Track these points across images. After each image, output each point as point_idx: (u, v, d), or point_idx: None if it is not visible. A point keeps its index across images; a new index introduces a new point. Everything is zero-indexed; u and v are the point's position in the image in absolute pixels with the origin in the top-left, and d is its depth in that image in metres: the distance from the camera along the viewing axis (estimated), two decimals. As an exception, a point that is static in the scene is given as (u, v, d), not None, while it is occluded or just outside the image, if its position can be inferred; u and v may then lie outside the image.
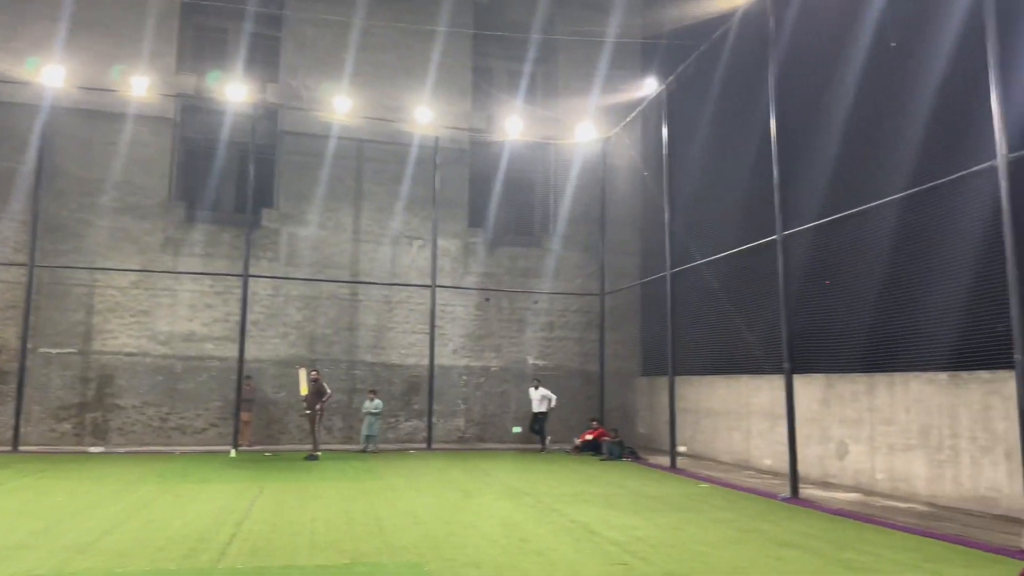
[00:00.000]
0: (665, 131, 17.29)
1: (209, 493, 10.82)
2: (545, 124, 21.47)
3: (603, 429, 18.86)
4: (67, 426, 17.52)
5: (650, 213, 20.69)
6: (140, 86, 17.81)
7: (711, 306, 17.21)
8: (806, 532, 8.66)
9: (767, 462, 15.10)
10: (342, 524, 8.64)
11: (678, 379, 17.46)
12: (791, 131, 13.15)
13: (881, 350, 12.07)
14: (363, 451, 17.72)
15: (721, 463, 16.57)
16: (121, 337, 18.02)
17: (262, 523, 8.58)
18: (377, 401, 18.03)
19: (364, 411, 18.05)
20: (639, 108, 19.27)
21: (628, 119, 20.06)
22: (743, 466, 15.87)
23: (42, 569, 6.32)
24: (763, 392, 15.44)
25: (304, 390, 16.19)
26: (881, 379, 12.11)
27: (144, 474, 12.82)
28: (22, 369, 16.83)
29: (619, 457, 17.22)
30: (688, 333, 17.93)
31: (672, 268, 16.78)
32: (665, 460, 16.37)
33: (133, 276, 18.25)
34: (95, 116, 18.55)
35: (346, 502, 10.25)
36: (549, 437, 19.25)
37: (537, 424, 19.08)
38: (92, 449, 16.99)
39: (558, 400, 19.67)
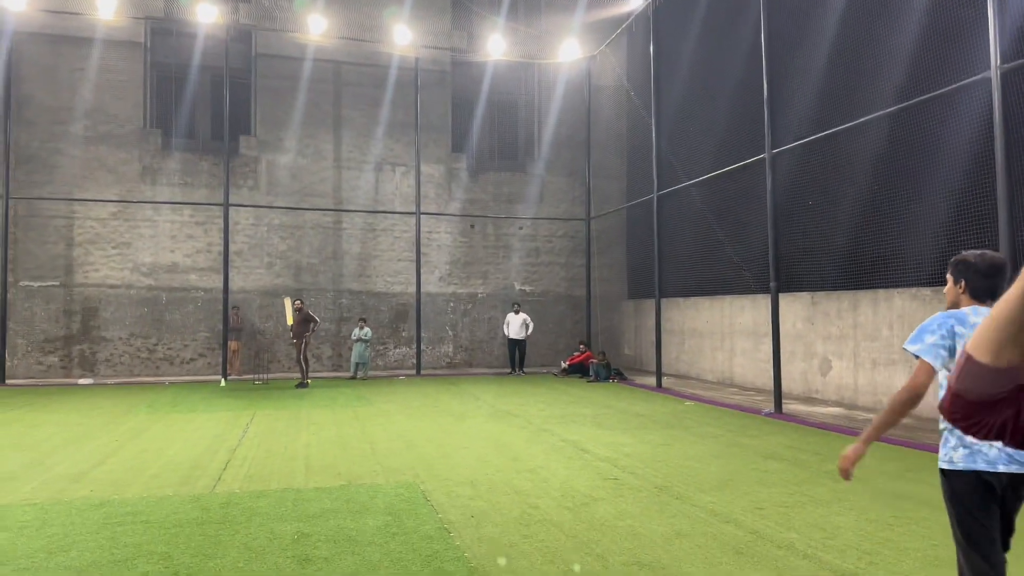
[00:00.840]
0: (652, 48, 16.87)
1: (201, 422, 10.88)
2: (528, 43, 20.91)
3: (590, 352, 19.05)
4: (54, 359, 17.47)
5: (636, 134, 20.42)
6: (106, 8, 17.06)
7: (697, 228, 17.20)
8: (791, 445, 8.86)
9: (751, 380, 15.37)
10: (336, 449, 8.73)
11: (665, 301, 17.62)
12: (780, 46, 12.86)
13: (866, 267, 12.14)
14: (353, 378, 17.84)
15: (705, 382, 16.85)
16: (103, 269, 17.81)
17: (256, 449, 8.66)
18: (367, 329, 18.04)
19: (354, 338, 18.07)
20: (625, 24, 18.74)
21: (613, 36, 19.55)
22: (727, 384, 16.15)
23: (38, 498, 6.35)
24: (747, 312, 15.59)
25: (290, 320, 16.14)
26: (865, 296, 12.22)
27: (134, 404, 12.86)
28: (4, 303, 16.61)
29: (606, 379, 17.46)
30: (674, 255, 17.97)
31: (659, 190, 16.64)
32: (651, 380, 16.62)
33: (112, 207, 17.90)
34: (60, 41, 17.84)
35: (339, 427, 10.35)
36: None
37: (520, 352, 19.03)
38: (81, 381, 16.96)
39: (544, 325, 19.76)
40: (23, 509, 5.97)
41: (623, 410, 12.30)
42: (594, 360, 18.24)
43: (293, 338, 16.03)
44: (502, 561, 4.74)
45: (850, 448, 3.16)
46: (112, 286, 17.84)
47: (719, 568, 4.60)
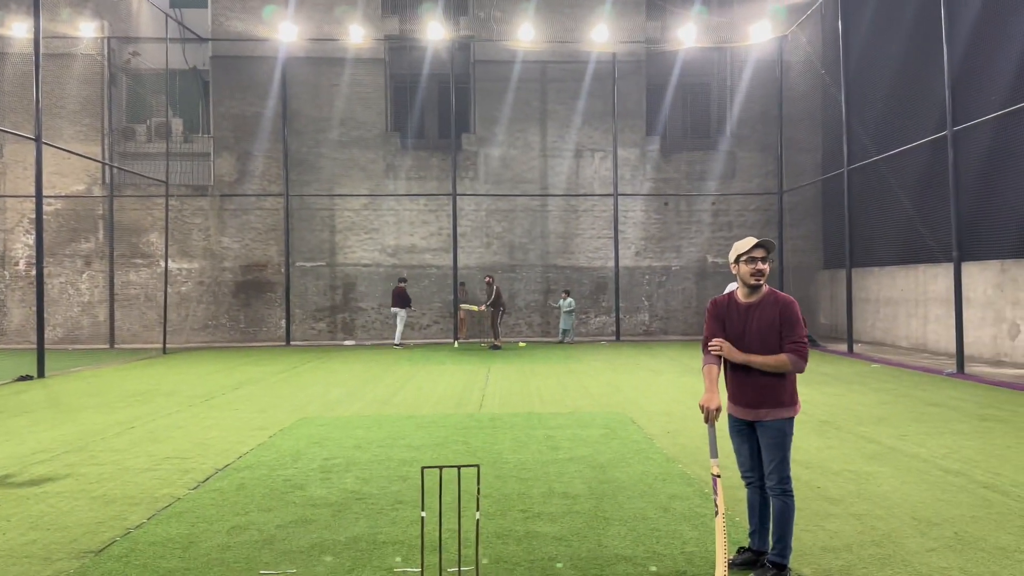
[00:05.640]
0: (840, 25, 17.55)
1: (451, 371, 13.76)
2: (720, 29, 22.03)
3: (782, 320, 20.05)
4: (323, 325, 21.57)
5: (829, 109, 20.96)
6: (356, 33, 20.58)
7: (892, 198, 17.71)
8: (957, 397, 9.95)
9: (943, 345, 15.87)
10: (558, 390, 11.09)
11: (859, 270, 18.35)
12: (962, 27, 13.32)
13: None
14: (560, 342, 20.34)
15: (899, 348, 17.45)
16: (358, 251, 21.63)
17: (499, 389, 11.23)
18: (570, 299, 20.45)
19: (557, 307, 20.63)
20: (816, 4, 19.39)
21: (804, 16, 20.21)
22: (920, 350, 16.71)
23: (365, 412, 9.25)
24: (940, 280, 16.05)
25: (474, 308, 19.93)
26: (1057, 264, 12.55)
27: (395, 359, 16.14)
28: (287, 280, 20.88)
29: (797, 345, 18.48)
30: (869, 226, 18.55)
31: (849, 165, 17.39)
32: (844, 347, 17.51)
33: (363, 199, 21.63)
34: (320, 63, 21.69)
35: (558, 377, 12.73)
36: None
37: None
38: (346, 342, 20.93)
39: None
40: (361, 418, 8.84)
41: (809, 370, 13.59)
42: (785, 327, 19.26)
43: (489, 307, 19.10)
44: (689, 457, 6.75)
45: None
46: (365, 265, 21.63)
47: (853, 464, 6.31)
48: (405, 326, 20.25)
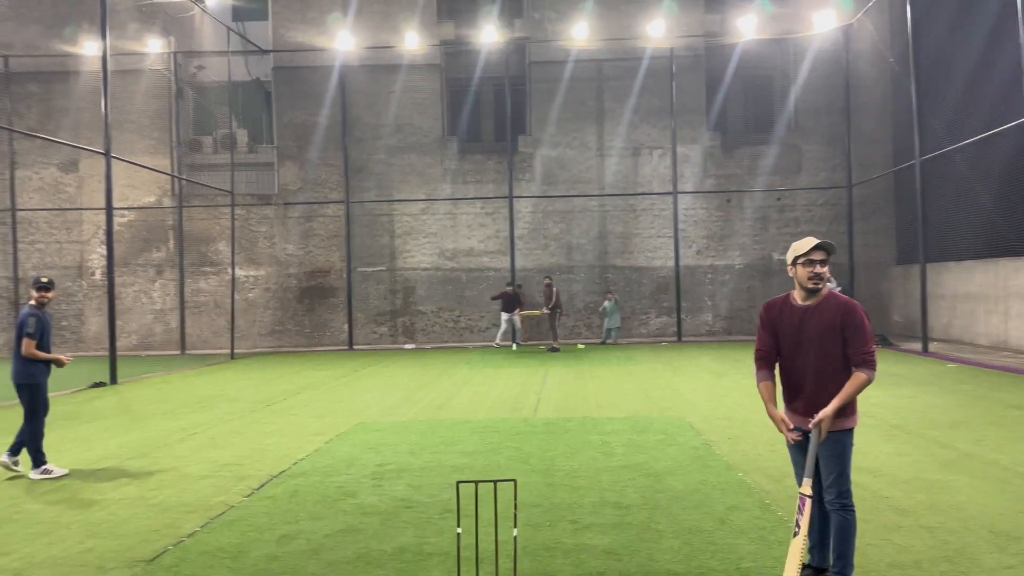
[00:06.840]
0: (909, 11, 16.81)
1: (508, 374, 13.70)
2: (781, 20, 21.39)
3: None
4: (384, 329, 21.82)
5: (899, 98, 20.12)
6: (412, 39, 20.75)
7: (967, 190, 16.89)
8: (1042, 399, 9.37)
9: (1028, 344, 15.00)
10: (616, 394, 10.90)
11: (934, 265, 17.54)
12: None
13: None
14: (603, 343, 20.22)
15: (978, 347, 16.60)
16: (417, 255, 21.81)
17: (556, 392, 11.11)
18: (610, 300, 20.35)
19: (602, 309, 20.73)
20: (882, -10, 18.64)
21: (871, 3, 19.44)
22: (1000, 349, 15.85)
23: (421, 416, 9.26)
24: (1022, 274, 15.19)
25: (540, 312, 19.88)
26: None
27: (454, 362, 16.19)
28: (349, 285, 21.22)
29: (868, 344, 17.78)
30: (943, 219, 17.74)
31: (922, 156, 16.63)
32: (919, 346, 16.77)
33: (421, 204, 21.81)
34: (377, 70, 21.96)
35: (616, 380, 12.52)
36: None
37: None
38: (406, 346, 21.13)
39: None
40: (416, 423, 8.84)
41: (879, 371, 12.95)
42: (855, 326, 18.56)
43: (546, 310, 19.18)
44: (750, 465, 6.50)
45: None
46: (424, 269, 21.80)
47: (925, 472, 5.96)
48: (513, 329, 19.85)
